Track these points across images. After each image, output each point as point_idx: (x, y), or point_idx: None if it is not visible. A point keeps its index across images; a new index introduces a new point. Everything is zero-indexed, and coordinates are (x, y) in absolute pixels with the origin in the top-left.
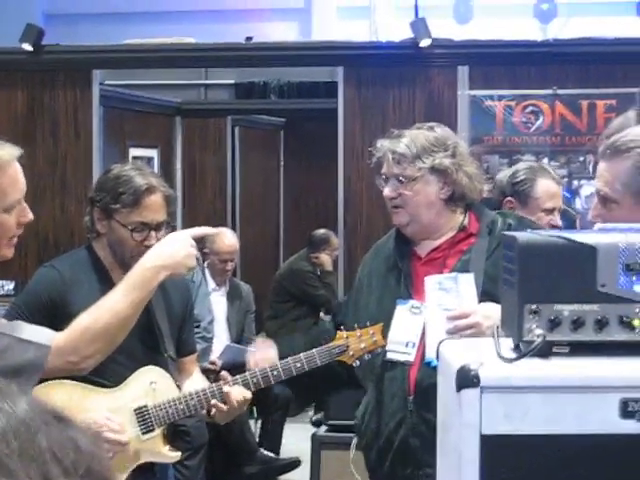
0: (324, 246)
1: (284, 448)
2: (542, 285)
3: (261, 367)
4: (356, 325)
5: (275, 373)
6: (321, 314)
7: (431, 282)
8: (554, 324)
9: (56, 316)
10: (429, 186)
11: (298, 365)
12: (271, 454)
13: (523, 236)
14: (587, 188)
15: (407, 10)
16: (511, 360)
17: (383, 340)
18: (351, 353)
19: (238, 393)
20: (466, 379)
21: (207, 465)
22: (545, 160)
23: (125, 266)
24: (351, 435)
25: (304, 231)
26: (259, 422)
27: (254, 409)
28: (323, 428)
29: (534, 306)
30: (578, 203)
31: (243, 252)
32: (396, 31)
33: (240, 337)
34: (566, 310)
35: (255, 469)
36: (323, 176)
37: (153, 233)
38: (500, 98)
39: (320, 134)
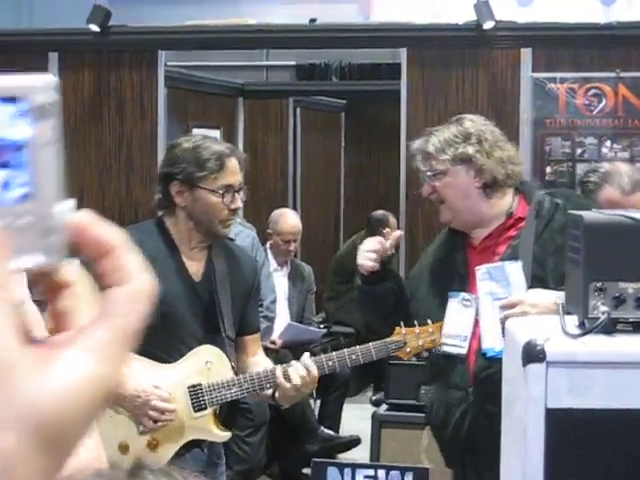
0: (382, 227)
1: (343, 428)
2: (607, 263)
3: (316, 358)
4: (416, 322)
5: (330, 364)
6: None
7: (480, 272)
8: (619, 301)
9: None
10: (460, 177)
11: (354, 357)
12: (331, 432)
13: (589, 215)
14: None
15: None
16: (576, 336)
17: (440, 338)
18: (408, 349)
19: (300, 370)
20: (532, 354)
21: (268, 442)
22: (607, 143)
23: (211, 234)
24: (410, 414)
25: (364, 213)
26: (318, 402)
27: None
28: (383, 407)
29: (599, 284)
30: None
31: (304, 233)
32: (457, 13)
33: (300, 317)
34: (630, 288)
35: (316, 447)
36: (384, 158)
37: (237, 195)
38: (563, 81)
39: (381, 116)
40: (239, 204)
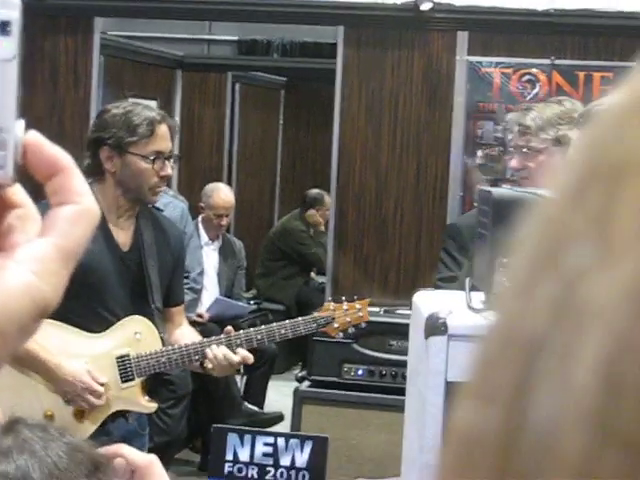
0: (317, 206)
1: (270, 404)
2: (513, 239)
3: (245, 331)
4: (344, 298)
5: (259, 337)
6: (312, 274)
7: None
8: None
9: None
10: (554, 159)
11: (282, 332)
12: (255, 408)
13: (498, 191)
14: None
15: None
16: (479, 311)
17: (368, 315)
18: (336, 325)
19: (223, 354)
20: (434, 327)
21: (190, 415)
22: None
23: (139, 201)
24: (332, 391)
25: (300, 190)
26: (244, 377)
27: None
28: (305, 384)
29: (505, 260)
30: None
31: (238, 208)
32: None
33: (230, 292)
34: None
35: (239, 422)
36: (322, 136)
37: (167, 162)
38: (498, 65)
39: (321, 95)
40: (169, 171)
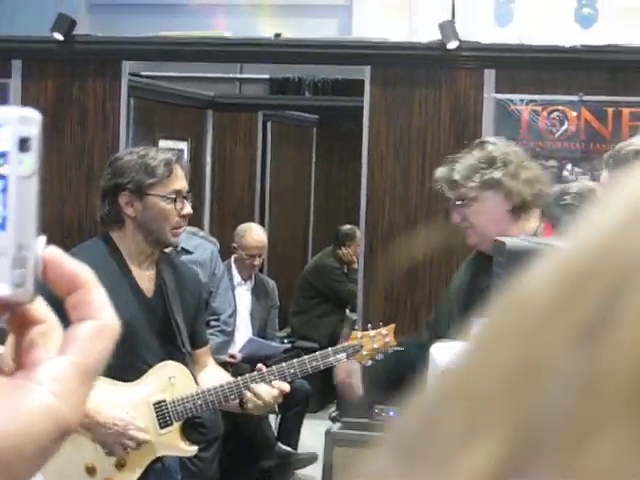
0: (349, 241)
1: (303, 444)
2: None
3: (277, 366)
4: (369, 325)
5: (291, 371)
6: (347, 311)
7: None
8: None
9: None
10: (489, 202)
11: (314, 364)
12: (289, 449)
13: (512, 242)
14: None
15: (446, 11)
16: None
17: (394, 340)
18: (364, 353)
19: (263, 390)
20: None
21: (223, 457)
22: (569, 166)
23: (160, 244)
24: (363, 433)
25: (333, 228)
26: (278, 417)
27: None
28: (337, 425)
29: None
30: None
31: (271, 247)
32: (433, 32)
33: (263, 332)
34: None
35: (272, 463)
36: (354, 173)
37: (186, 202)
38: (526, 102)
39: (353, 132)
40: (189, 209)
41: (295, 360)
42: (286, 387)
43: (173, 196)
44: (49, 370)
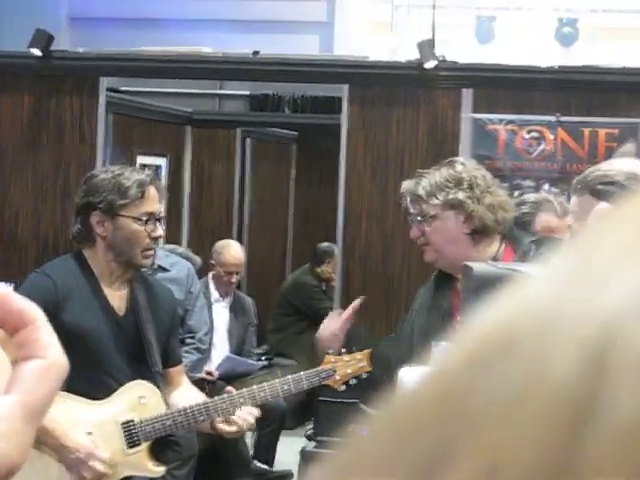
0: (328, 258)
1: (279, 461)
2: None
3: (248, 389)
4: (343, 350)
5: (262, 394)
6: None
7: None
8: None
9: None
10: (448, 222)
11: (285, 387)
12: (265, 466)
13: (478, 267)
14: None
15: (428, 28)
16: None
17: (369, 365)
18: (338, 377)
19: (243, 415)
20: None
21: (198, 476)
22: (546, 186)
23: (131, 265)
24: None
25: (312, 245)
26: (254, 434)
27: None
28: (312, 444)
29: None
30: None
31: (250, 264)
32: (414, 50)
33: (240, 349)
34: None
35: None
36: (334, 191)
37: (158, 224)
38: (503, 122)
39: (332, 149)
40: (160, 232)
41: (266, 383)
42: (255, 412)
43: (144, 218)
44: None
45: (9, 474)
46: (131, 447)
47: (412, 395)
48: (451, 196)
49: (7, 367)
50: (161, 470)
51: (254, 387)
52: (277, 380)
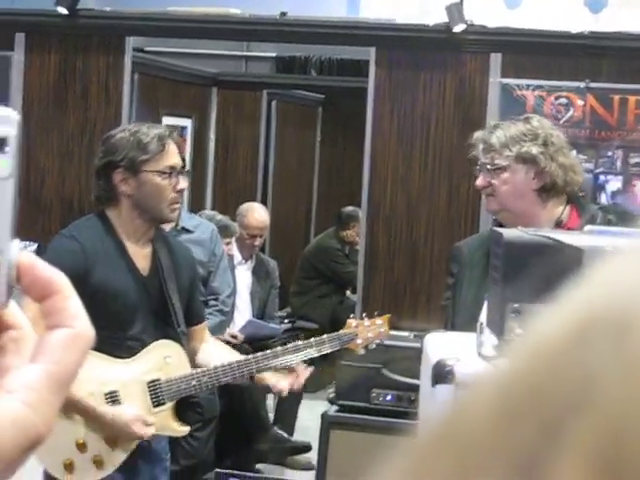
0: (352, 222)
1: (300, 424)
2: (526, 284)
3: (272, 350)
4: (364, 314)
5: (286, 357)
6: (347, 292)
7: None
8: None
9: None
10: (518, 175)
11: (308, 351)
12: (284, 434)
13: (510, 233)
14: (613, 183)
15: None
16: (490, 358)
17: (389, 330)
18: (359, 341)
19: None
20: (441, 374)
21: (218, 438)
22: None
23: (157, 221)
24: (360, 417)
25: (337, 209)
26: (275, 398)
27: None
28: (333, 408)
29: (516, 305)
30: (603, 198)
31: (273, 227)
32: (443, 13)
33: (262, 312)
34: None
35: (266, 447)
36: (359, 155)
37: (180, 177)
38: (531, 88)
39: (359, 112)
40: (184, 185)
41: (290, 345)
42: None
43: (168, 171)
44: (21, 378)
45: (34, 444)
46: (156, 406)
47: (502, 377)
48: (525, 149)
49: (33, 338)
50: (185, 430)
51: (278, 349)
52: (300, 343)
